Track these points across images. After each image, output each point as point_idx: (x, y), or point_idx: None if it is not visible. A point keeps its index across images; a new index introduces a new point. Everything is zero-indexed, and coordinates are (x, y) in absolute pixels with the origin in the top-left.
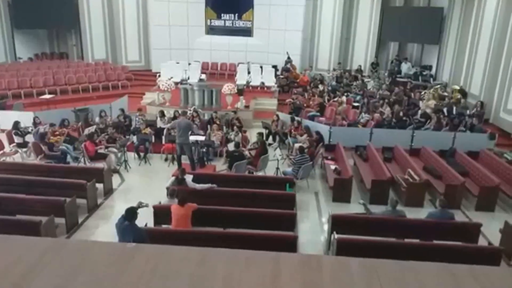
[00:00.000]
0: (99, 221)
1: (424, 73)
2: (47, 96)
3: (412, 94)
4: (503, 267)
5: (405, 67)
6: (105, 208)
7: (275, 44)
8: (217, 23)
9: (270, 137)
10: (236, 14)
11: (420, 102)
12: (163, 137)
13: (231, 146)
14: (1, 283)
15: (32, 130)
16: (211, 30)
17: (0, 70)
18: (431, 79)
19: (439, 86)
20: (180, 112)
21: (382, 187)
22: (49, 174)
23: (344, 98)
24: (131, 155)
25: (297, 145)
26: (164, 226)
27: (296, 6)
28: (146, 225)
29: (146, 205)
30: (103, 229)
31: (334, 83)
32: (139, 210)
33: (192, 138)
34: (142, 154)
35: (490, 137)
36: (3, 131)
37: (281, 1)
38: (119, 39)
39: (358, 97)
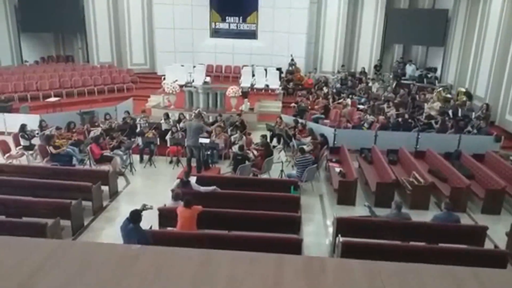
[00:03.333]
0: (105, 223)
1: (429, 75)
2: (53, 99)
3: (417, 96)
4: (509, 270)
5: (409, 69)
6: (111, 210)
7: (280, 47)
8: (221, 26)
9: (275, 139)
10: (241, 17)
11: (425, 104)
12: (168, 140)
13: (235, 149)
14: (8, 283)
15: (38, 133)
16: (216, 33)
17: (7, 73)
18: (436, 81)
19: (441, 88)
20: (185, 114)
21: (387, 190)
22: (55, 177)
23: (348, 101)
24: (136, 158)
25: (295, 143)
26: (169, 228)
27: (300, 8)
28: (151, 227)
29: (151, 208)
30: (108, 231)
31: (338, 85)
32: (143, 213)
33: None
34: (146, 156)
35: (495, 139)
36: (9, 133)
37: (285, 4)
38: (124, 42)
39: (362, 100)
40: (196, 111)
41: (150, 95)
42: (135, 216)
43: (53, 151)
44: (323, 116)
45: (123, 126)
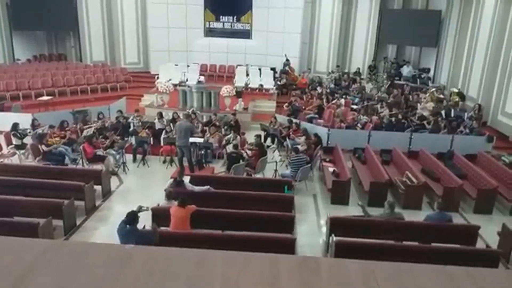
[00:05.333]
0: (97, 223)
1: (422, 75)
2: (45, 98)
3: (410, 96)
4: (501, 269)
5: (406, 70)
6: (103, 210)
7: (274, 47)
8: (215, 25)
9: (269, 139)
10: (235, 17)
11: (418, 104)
12: (162, 139)
13: (230, 148)
14: (0, 283)
15: (30, 132)
16: (210, 32)
17: None
18: (429, 81)
19: (434, 89)
20: (179, 114)
21: (380, 190)
22: (47, 176)
23: (342, 101)
24: (129, 157)
25: (289, 143)
26: (162, 228)
27: (294, 8)
28: (144, 227)
29: (147, 209)
30: (101, 231)
31: (332, 85)
32: (139, 214)
33: (190, 139)
34: (139, 156)
35: (488, 139)
36: (1, 132)
37: (279, 4)
38: (117, 40)
39: (356, 100)
40: (190, 111)
41: (143, 94)
42: (132, 217)
43: (45, 148)
44: (317, 116)
45: (116, 125)
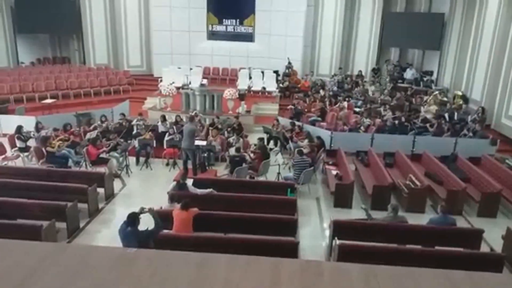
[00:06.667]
0: (100, 225)
1: (425, 78)
2: (49, 101)
3: (413, 99)
4: (505, 274)
5: (409, 73)
6: (106, 212)
7: (277, 50)
8: (218, 28)
9: (271, 142)
10: (238, 20)
11: (422, 107)
12: (165, 142)
13: (232, 151)
14: (3, 285)
15: (34, 134)
16: (213, 36)
17: (2, 75)
18: (432, 84)
19: (437, 92)
20: (182, 117)
21: (384, 193)
22: (51, 179)
23: (345, 104)
24: (132, 160)
25: (292, 146)
26: (164, 231)
27: (297, 11)
28: (147, 229)
29: (148, 210)
30: (104, 233)
31: (335, 88)
32: (141, 216)
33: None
34: (142, 158)
35: (491, 143)
36: (5, 135)
37: (282, 7)
38: (121, 43)
39: (359, 103)
40: (193, 113)
41: (146, 97)
42: (132, 219)
43: (50, 149)
44: (319, 118)
45: (119, 128)
